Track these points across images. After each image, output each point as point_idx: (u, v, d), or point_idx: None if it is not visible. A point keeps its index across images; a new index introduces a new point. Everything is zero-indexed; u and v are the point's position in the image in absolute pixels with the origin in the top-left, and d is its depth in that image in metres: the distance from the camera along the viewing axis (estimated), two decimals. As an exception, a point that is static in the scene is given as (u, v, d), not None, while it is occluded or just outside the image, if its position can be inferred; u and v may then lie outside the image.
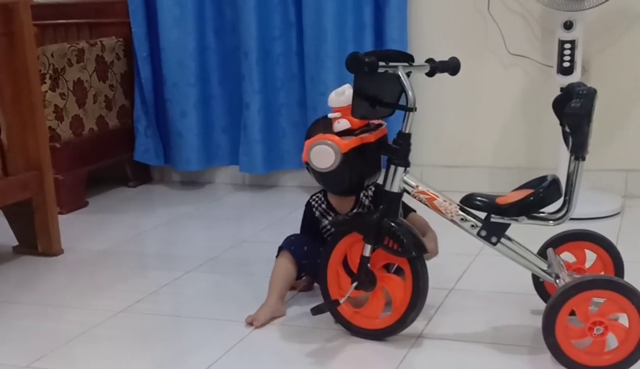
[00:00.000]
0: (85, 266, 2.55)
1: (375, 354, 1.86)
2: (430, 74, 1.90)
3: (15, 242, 2.69)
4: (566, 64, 2.83)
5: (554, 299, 1.68)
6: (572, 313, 1.69)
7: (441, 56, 1.97)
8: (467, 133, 3.22)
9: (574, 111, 1.69)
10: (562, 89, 1.81)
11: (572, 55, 2.82)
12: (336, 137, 1.82)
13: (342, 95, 1.87)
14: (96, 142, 3.32)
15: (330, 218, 2.10)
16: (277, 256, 2.11)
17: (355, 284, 1.85)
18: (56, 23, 3.51)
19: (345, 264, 1.91)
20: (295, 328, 2.00)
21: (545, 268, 1.83)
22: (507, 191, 1.87)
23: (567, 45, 2.81)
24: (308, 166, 1.89)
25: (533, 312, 2.01)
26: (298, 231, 2.17)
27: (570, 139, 1.72)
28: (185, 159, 3.43)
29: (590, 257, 1.99)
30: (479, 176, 3.19)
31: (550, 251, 1.93)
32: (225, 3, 3.32)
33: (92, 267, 2.54)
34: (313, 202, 2.14)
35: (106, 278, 2.44)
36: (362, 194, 2.09)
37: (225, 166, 3.54)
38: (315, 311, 1.88)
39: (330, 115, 1.88)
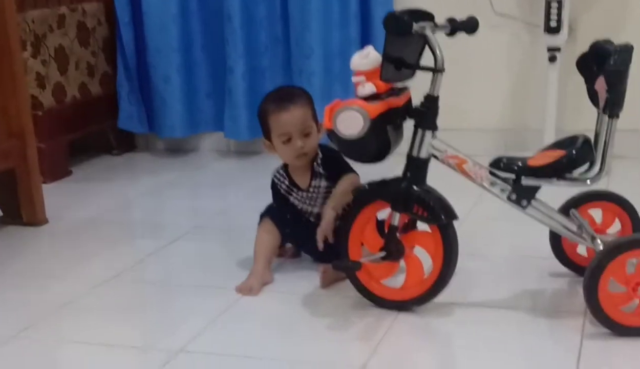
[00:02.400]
0: (71, 236, 2.53)
1: (372, 318, 1.84)
2: (451, 33, 1.82)
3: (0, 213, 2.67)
4: (553, 23, 2.82)
5: (597, 263, 1.65)
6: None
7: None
8: (454, 96, 3.15)
9: (615, 68, 1.65)
10: (591, 47, 1.76)
11: (559, 14, 2.80)
12: (363, 102, 1.73)
13: (366, 57, 1.77)
14: (79, 110, 3.27)
15: (294, 195, 2.07)
16: (259, 224, 2.09)
17: (383, 254, 1.80)
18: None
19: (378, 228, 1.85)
20: (283, 294, 1.99)
21: (575, 230, 1.80)
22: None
23: (554, 4, 2.80)
24: (330, 134, 1.78)
25: (552, 275, 2.00)
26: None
27: (607, 97, 1.67)
28: (170, 126, 3.40)
29: (602, 216, 1.98)
30: (469, 138, 3.15)
31: (574, 212, 1.89)
32: (207, -34, 3.28)
33: (77, 236, 2.52)
34: (276, 180, 2.11)
35: (91, 247, 2.42)
36: (314, 163, 2.05)
37: (210, 132, 3.50)
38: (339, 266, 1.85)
39: (353, 79, 1.78)
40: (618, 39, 1.79)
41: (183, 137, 3.46)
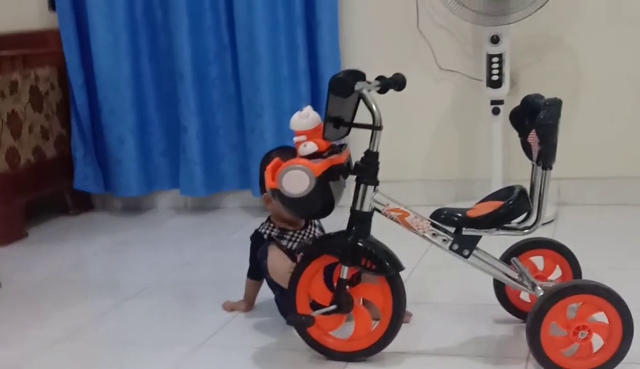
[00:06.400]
0: (25, 297, 2.53)
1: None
2: (382, 91, 1.88)
3: (-47, 277, 2.66)
4: (495, 77, 2.92)
5: (539, 307, 1.71)
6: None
7: (374, 73, 1.98)
8: (401, 148, 3.27)
9: (545, 122, 1.72)
10: (522, 102, 1.84)
11: (500, 68, 2.91)
12: (307, 161, 1.78)
13: (306, 117, 1.82)
14: (34, 173, 3.30)
15: (288, 237, 2.10)
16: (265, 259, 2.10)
17: (334, 307, 1.84)
18: (-12, 56, 3.49)
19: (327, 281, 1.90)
20: (238, 350, 2.01)
21: (517, 277, 1.86)
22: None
23: (495, 59, 2.90)
24: (274, 193, 1.83)
25: (497, 321, 2.05)
26: (242, 251, 2.18)
27: (539, 149, 1.75)
28: (125, 185, 3.43)
29: (543, 263, 2.04)
30: (415, 189, 3.24)
31: (516, 260, 1.95)
32: (158, 28, 3.34)
33: (31, 297, 2.52)
34: (262, 230, 2.13)
35: (46, 308, 2.42)
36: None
37: (167, 190, 3.54)
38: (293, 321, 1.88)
39: (295, 139, 1.83)
40: (557, 91, 1.87)
41: (139, 195, 3.49)
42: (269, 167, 1.84)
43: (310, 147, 1.80)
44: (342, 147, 1.88)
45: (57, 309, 2.40)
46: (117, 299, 2.43)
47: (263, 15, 3.11)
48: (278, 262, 2.05)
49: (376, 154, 1.81)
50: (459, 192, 3.25)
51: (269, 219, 2.15)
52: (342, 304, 1.84)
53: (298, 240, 2.11)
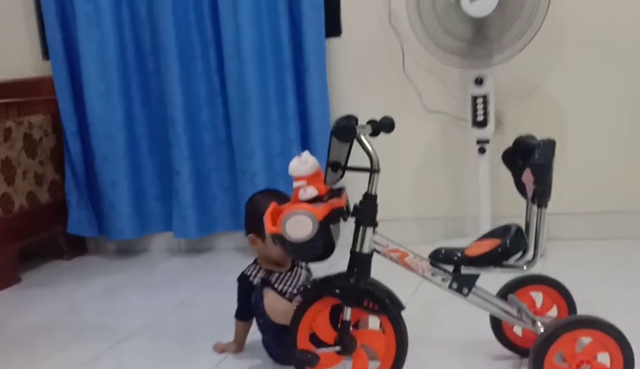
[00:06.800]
0: (19, 342, 2.55)
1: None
2: (373, 134, 1.92)
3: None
4: (480, 118, 2.98)
5: (541, 344, 1.74)
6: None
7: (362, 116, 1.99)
8: (391, 187, 3.29)
9: (540, 162, 1.77)
10: (515, 142, 1.89)
11: (485, 109, 2.96)
12: (309, 206, 1.80)
13: (305, 163, 1.84)
14: (27, 218, 3.33)
15: (274, 278, 2.13)
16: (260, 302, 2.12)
17: (338, 348, 1.86)
18: (-17, 105, 3.54)
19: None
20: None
21: (515, 314, 1.89)
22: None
23: (480, 100, 2.96)
24: (275, 238, 1.83)
25: (495, 357, 2.08)
26: (233, 292, 2.20)
27: (534, 188, 1.79)
28: (119, 229, 3.46)
29: (539, 299, 2.07)
30: (405, 228, 3.27)
31: (512, 296, 1.98)
32: (150, 74, 3.40)
33: (25, 342, 2.54)
34: (248, 273, 2.16)
35: (40, 352, 2.44)
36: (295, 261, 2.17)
37: (160, 233, 3.57)
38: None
39: (295, 184, 1.85)
40: (543, 130, 1.92)
41: (133, 238, 3.52)
42: (267, 212, 1.85)
43: (311, 192, 1.82)
44: (340, 190, 1.90)
45: (51, 353, 2.42)
46: (111, 341, 2.45)
47: (252, 61, 3.17)
48: (275, 304, 2.07)
49: (375, 197, 1.83)
50: (448, 229, 3.29)
51: (255, 261, 2.19)
52: (346, 345, 1.86)
53: (285, 281, 2.14)
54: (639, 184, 3.14)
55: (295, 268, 2.18)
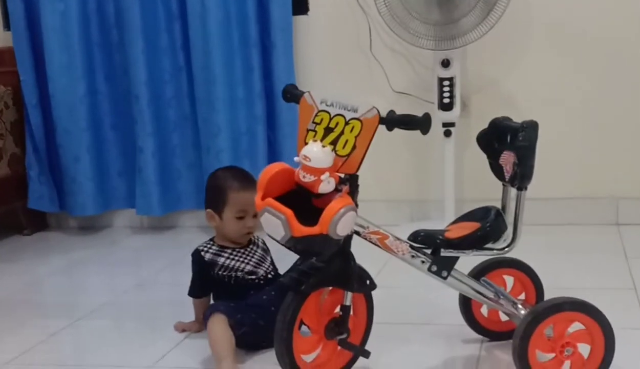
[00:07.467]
0: (-23, 319, 2.52)
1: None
2: (388, 127, 1.84)
3: None
4: (446, 100, 2.98)
5: (525, 327, 1.72)
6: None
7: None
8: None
9: (523, 144, 1.75)
10: (490, 124, 1.87)
11: (451, 91, 2.97)
12: (349, 199, 1.68)
13: (329, 153, 1.68)
14: (-14, 192, 3.29)
15: (226, 255, 2.14)
16: (207, 322, 2.05)
17: (344, 336, 1.81)
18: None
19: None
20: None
21: (492, 297, 1.88)
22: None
23: (446, 83, 2.96)
24: (298, 241, 1.65)
25: (464, 341, 2.08)
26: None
27: (516, 170, 1.77)
28: (81, 205, 3.42)
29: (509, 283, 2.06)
30: (371, 210, 3.25)
31: (487, 280, 1.96)
32: (114, 48, 3.35)
33: (-17, 319, 2.51)
34: (200, 248, 2.17)
35: (-1, 329, 2.41)
36: (253, 238, 2.18)
37: (123, 210, 3.54)
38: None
39: (322, 177, 1.66)
40: (508, 114, 1.92)
41: (95, 214, 3.48)
42: (327, 214, 1.64)
43: (332, 184, 1.68)
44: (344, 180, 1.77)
45: (9, 330, 2.39)
46: (70, 319, 2.42)
47: (218, 37, 3.14)
48: (218, 333, 2.00)
49: (356, 177, 1.74)
50: (413, 212, 3.30)
51: (212, 238, 2.20)
52: (349, 330, 1.82)
53: (237, 258, 2.15)
54: (601, 172, 3.18)
55: (251, 245, 2.19)
